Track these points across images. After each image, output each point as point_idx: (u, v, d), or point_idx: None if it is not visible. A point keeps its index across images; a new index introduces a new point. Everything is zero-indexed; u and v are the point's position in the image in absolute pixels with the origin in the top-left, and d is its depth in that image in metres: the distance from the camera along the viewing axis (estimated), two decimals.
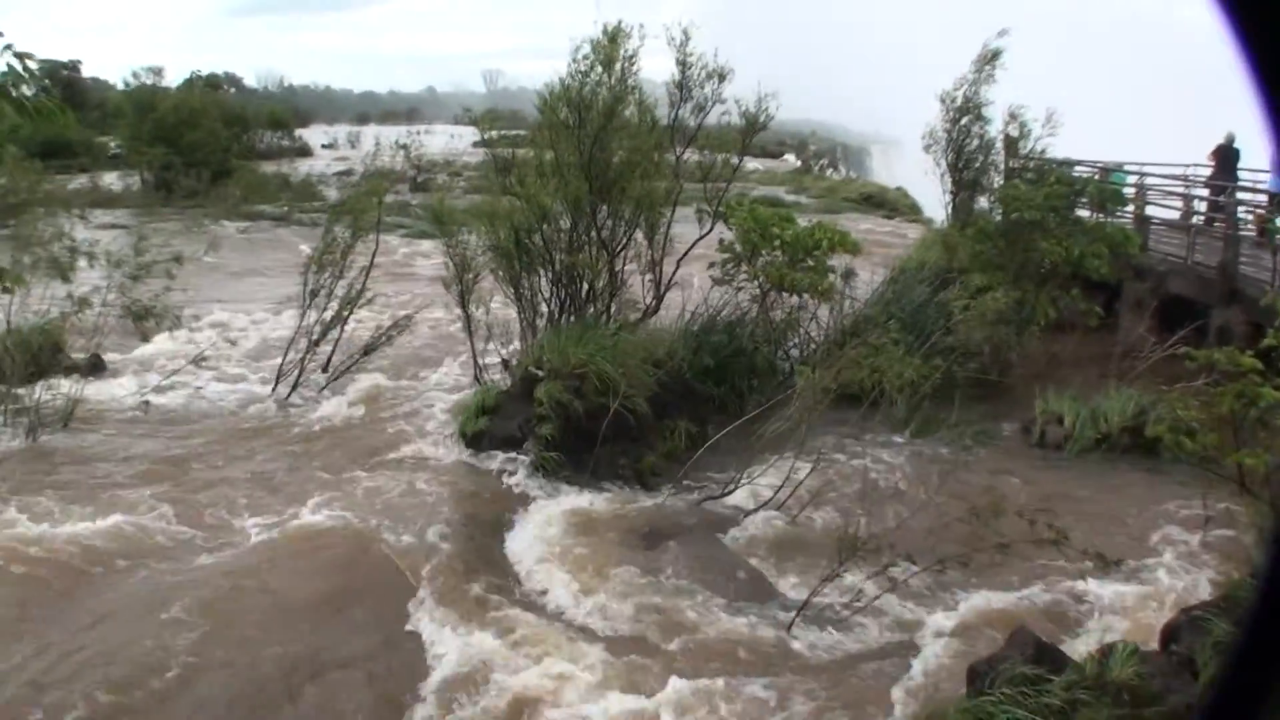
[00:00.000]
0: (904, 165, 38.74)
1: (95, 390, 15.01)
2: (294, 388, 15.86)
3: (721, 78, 14.46)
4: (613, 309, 14.54)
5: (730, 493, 11.93)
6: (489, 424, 13.39)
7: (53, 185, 22.02)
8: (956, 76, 18.80)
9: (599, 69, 13.74)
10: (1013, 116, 18.65)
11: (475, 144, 28.20)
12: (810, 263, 14.83)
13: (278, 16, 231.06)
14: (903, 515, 10.72)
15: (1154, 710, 5.94)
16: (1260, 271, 15.25)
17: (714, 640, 8.88)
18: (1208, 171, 20.22)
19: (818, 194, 45.71)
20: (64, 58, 64.74)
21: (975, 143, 19.07)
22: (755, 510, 11.53)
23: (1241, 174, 19.58)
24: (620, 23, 13.74)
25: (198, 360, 16.43)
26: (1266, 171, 17.65)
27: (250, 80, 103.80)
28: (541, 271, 14.55)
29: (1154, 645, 6.97)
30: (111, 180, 42.76)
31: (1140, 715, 5.93)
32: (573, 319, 14.20)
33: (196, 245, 20.46)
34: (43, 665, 8.15)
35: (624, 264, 14.74)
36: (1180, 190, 19.73)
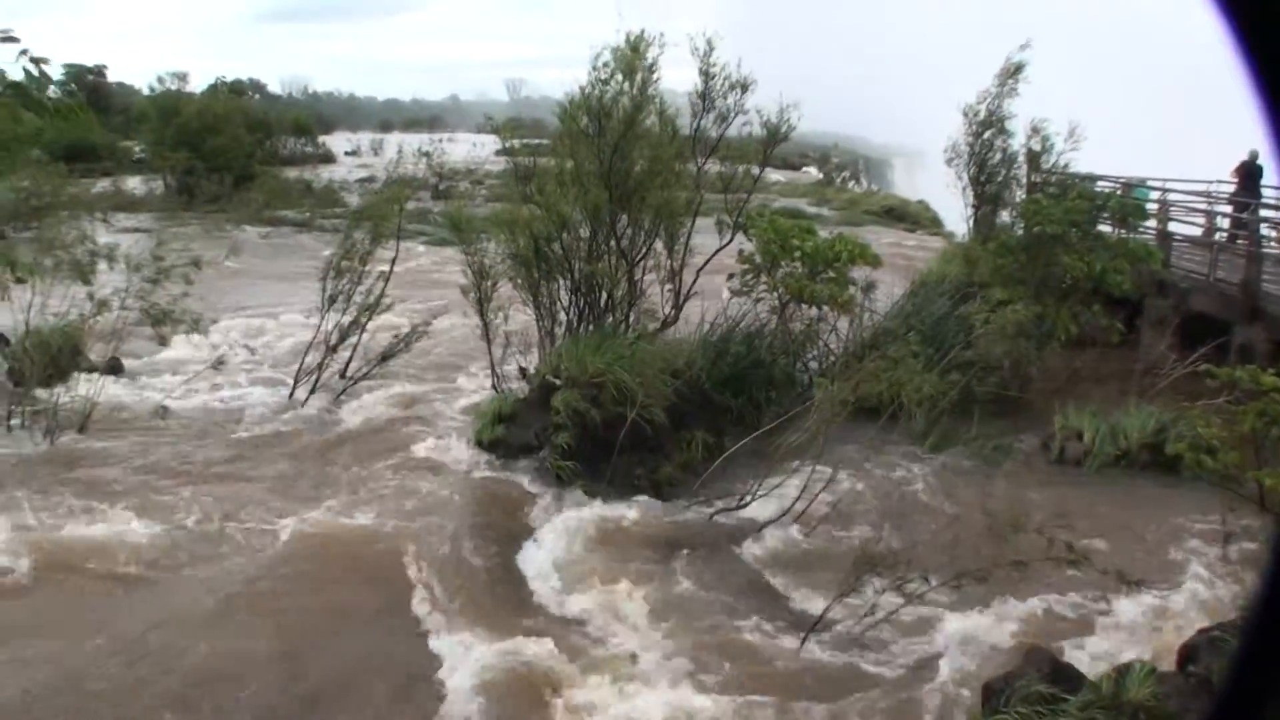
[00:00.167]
0: (926, 178, 38.65)
1: (114, 393, 15.06)
2: (311, 393, 15.89)
3: (744, 88, 14.41)
4: (631, 318, 14.50)
5: (747, 505, 11.87)
6: (506, 432, 13.38)
7: (76, 189, 22.20)
8: (979, 89, 18.80)
9: (619, 77, 13.73)
10: (1035, 130, 18.60)
11: (497, 152, 28.28)
12: (831, 274, 14.79)
13: (303, 24, 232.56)
14: (920, 530, 10.67)
15: None
16: None
17: (726, 654, 8.82)
18: (1231, 188, 20.13)
19: (839, 206, 45.75)
20: (89, 62, 65.39)
21: (997, 156, 19.04)
22: (771, 523, 11.46)
23: (1265, 191, 19.49)
24: (643, 32, 13.74)
25: (216, 365, 16.47)
26: None
27: (275, 86, 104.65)
28: (560, 280, 14.53)
29: (1171, 665, 6.91)
30: (135, 184, 43.09)
31: None
32: (591, 328, 14.16)
33: (218, 250, 20.50)
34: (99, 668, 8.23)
35: (643, 273, 14.70)
36: (1203, 206, 19.63)
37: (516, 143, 15.91)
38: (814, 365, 15.86)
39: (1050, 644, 8.19)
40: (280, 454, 13.74)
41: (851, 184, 58.71)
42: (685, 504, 12.18)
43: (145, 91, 63.65)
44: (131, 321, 14.86)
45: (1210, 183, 20.58)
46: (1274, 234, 17.37)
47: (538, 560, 10.60)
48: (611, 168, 13.76)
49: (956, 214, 21.36)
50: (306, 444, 14.19)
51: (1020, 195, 18.85)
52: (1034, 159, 18.89)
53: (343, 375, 16.38)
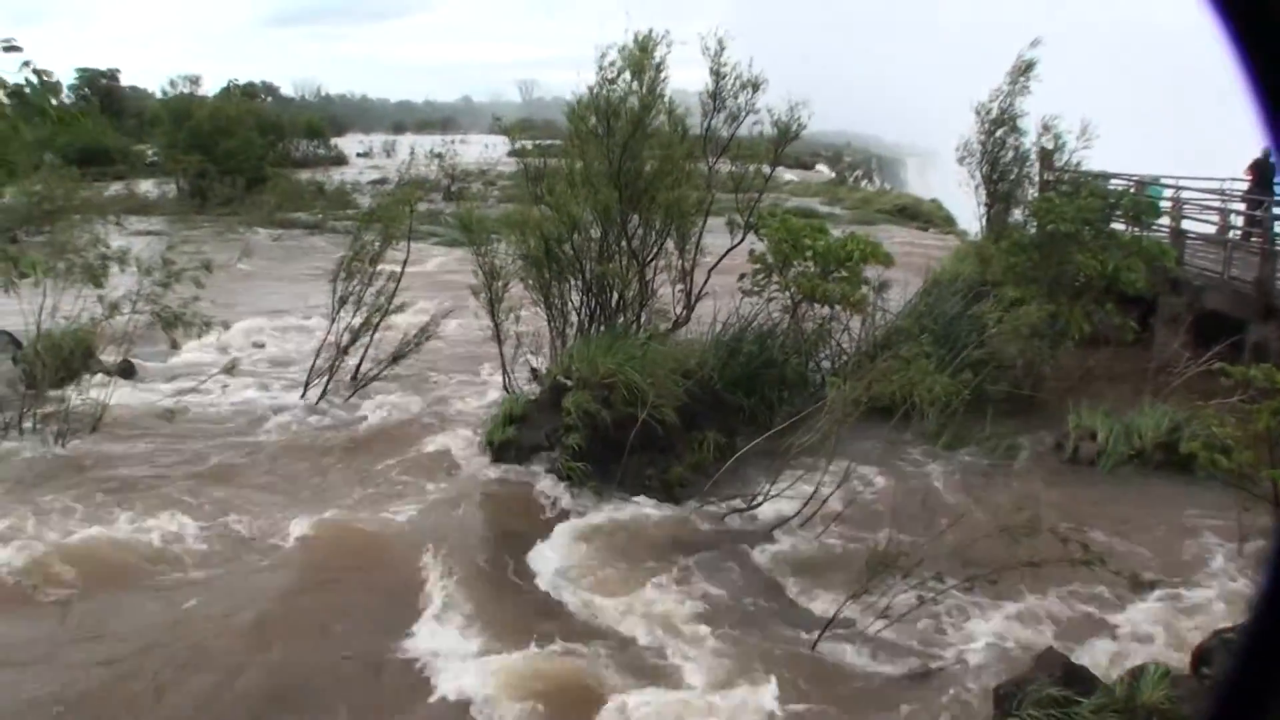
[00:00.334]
0: (939, 177, 38.58)
1: (125, 396, 15.08)
2: (322, 394, 15.90)
3: (755, 87, 14.37)
4: (642, 319, 14.47)
5: (758, 505, 11.83)
6: (516, 433, 13.35)
7: (89, 192, 22.30)
8: (991, 88, 18.75)
9: (627, 77, 13.70)
10: (1047, 128, 18.55)
11: (509, 153, 28.30)
12: (843, 273, 14.74)
13: (316, 26, 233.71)
14: (933, 530, 10.60)
15: None
16: None
17: (737, 655, 8.78)
18: (1244, 186, 20.03)
19: (852, 205, 45.72)
20: (102, 66, 65.68)
21: (1010, 155, 18.99)
22: (783, 523, 11.43)
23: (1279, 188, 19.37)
24: (651, 31, 13.71)
25: (228, 367, 16.48)
26: None
27: (287, 89, 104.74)
28: (571, 280, 14.52)
29: (1185, 667, 6.86)
30: (148, 187, 43.31)
31: None
32: (602, 328, 14.15)
33: (230, 252, 20.56)
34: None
35: (654, 274, 14.67)
36: (1217, 204, 19.54)
37: (526, 143, 15.90)
38: (826, 365, 15.82)
39: (1063, 646, 8.14)
40: (292, 455, 13.76)
41: (864, 183, 58.64)
42: (697, 504, 12.14)
43: (158, 95, 63.87)
44: (143, 324, 14.88)
45: (1224, 180, 20.48)
46: None
47: (550, 561, 10.56)
48: (621, 168, 13.74)
49: (969, 212, 21.34)
50: (318, 445, 14.20)
51: (1033, 193, 18.80)
52: (1046, 157, 18.84)
53: (354, 377, 16.40)
